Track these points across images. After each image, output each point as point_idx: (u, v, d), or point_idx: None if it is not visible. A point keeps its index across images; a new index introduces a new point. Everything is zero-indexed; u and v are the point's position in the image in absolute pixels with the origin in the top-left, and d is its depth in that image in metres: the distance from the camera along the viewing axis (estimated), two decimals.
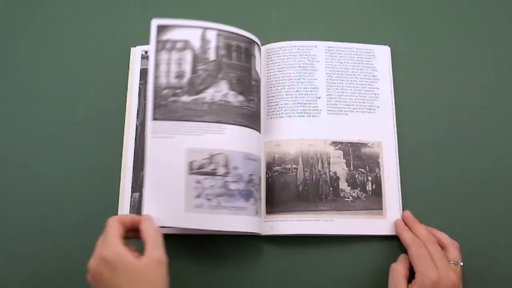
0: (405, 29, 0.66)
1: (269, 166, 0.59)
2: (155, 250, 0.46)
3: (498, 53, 0.65)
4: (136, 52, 0.65)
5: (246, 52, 0.58)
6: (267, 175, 0.59)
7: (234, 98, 0.56)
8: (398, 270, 0.52)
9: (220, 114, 0.55)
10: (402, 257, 0.54)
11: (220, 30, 0.57)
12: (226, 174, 0.54)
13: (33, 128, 0.62)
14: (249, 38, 0.59)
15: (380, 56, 0.63)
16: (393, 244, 0.57)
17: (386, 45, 0.64)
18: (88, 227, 0.58)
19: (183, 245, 0.57)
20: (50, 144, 0.61)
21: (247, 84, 0.58)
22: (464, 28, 0.66)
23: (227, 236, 0.57)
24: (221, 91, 0.56)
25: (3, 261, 0.57)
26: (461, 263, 0.52)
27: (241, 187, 0.54)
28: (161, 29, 0.57)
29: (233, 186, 0.54)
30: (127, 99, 0.63)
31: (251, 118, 0.57)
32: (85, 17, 0.67)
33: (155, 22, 0.56)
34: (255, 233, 0.55)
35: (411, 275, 0.52)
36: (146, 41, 0.64)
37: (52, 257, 0.57)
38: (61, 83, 0.64)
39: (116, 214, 0.58)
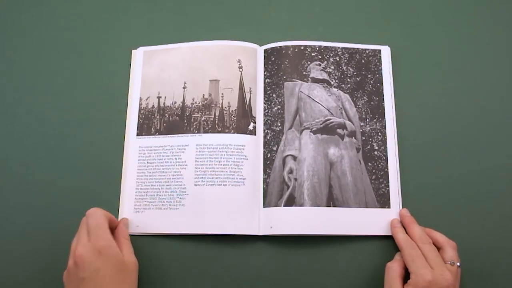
0: (405, 29, 0.66)
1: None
2: (132, 254, 0.51)
3: (498, 53, 0.64)
4: (137, 54, 0.65)
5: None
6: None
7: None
8: (394, 269, 0.52)
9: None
10: (397, 256, 0.54)
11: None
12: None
13: (33, 128, 0.63)
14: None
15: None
16: (392, 243, 0.56)
17: (386, 45, 0.64)
18: None
19: (182, 244, 0.58)
20: (50, 144, 0.62)
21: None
22: (464, 28, 0.66)
23: (225, 236, 0.57)
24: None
25: (3, 261, 0.58)
26: (458, 263, 0.51)
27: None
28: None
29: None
30: (128, 100, 0.63)
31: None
32: (87, 19, 0.68)
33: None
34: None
35: (408, 274, 0.51)
36: (147, 43, 0.66)
37: (52, 257, 0.57)
38: (62, 84, 0.65)
39: (117, 213, 0.59)
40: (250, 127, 0.61)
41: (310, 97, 0.61)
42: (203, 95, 0.62)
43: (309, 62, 0.63)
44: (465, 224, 0.57)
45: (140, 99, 0.63)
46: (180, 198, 0.58)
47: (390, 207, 0.57)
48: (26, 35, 0.67)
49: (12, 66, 0.66)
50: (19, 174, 0.61)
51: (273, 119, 0.61)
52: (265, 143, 0.60)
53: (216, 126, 0.61)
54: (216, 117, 0.61)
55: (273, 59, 0.63)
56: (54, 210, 0.59)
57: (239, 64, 0.63)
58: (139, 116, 0.63)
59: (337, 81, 0.62)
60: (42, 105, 0.64)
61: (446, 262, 0.51)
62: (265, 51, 0.64)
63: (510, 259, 0.56)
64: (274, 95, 0.62)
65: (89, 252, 0.47)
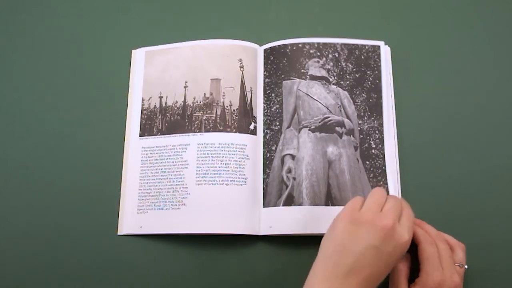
0: (405, 29, 0.66)
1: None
2: None
3: (498, 53, 0.64)
4: (137, 54, 0.65)
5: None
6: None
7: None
8: (399, 268, 0.51)
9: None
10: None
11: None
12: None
13: (33, 128, 0.63)
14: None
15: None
16: None
17: (386, 45, 0.64)
18: (89, 227, 0.59)
19: (183, 244, 0.58)
20: (50, 144, 0.62)
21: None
22: (464, 28, 0.66)
23: (226, 235, 0.57)
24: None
25: (3, 261, 0.58)
26: (466, 266, 0.51)
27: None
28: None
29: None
30: (129, 100, 0.64)
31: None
32: (87, 19, 0.68)
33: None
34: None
35: (412, 274, 0.52)
36: (147, 43, 0.66)
37: (52, 257, 0.58)
38: (62, 84, 0.65)
39: (117, 214, 0.59)
40: (251, 127, 0.61)
41: (309, 95, 0.61)
42: (204, 94, 0.62)
43: (307, 60, 0.62)
44: (465, 224, 0.57)
45: (143, 100, 0.63)
46: (182, 198, 0.58)
47: None
48: (26, 35, 0.67)
49: (12, 66, 0.66)
50: (19, 174, 0.61)
51: (272, 119, 0.61)
52: (264, 142, 0.60)
53: (218, 125, 0.61)
54: (218, 116, 0.61)
55: (272, 58, 0.63)
56: (54, 210, 0.59)
57: (240, 64, 0.63)
58: (141, 116, 0.63)
59: (336, 78, 0.62)
60: (42, 105, 0.64)
61: (455, 263, 0.50)
62: (265, 51, 0.64)
63: (510, 259, 0.56)
64: (273, 95, 0.62)
65: None
